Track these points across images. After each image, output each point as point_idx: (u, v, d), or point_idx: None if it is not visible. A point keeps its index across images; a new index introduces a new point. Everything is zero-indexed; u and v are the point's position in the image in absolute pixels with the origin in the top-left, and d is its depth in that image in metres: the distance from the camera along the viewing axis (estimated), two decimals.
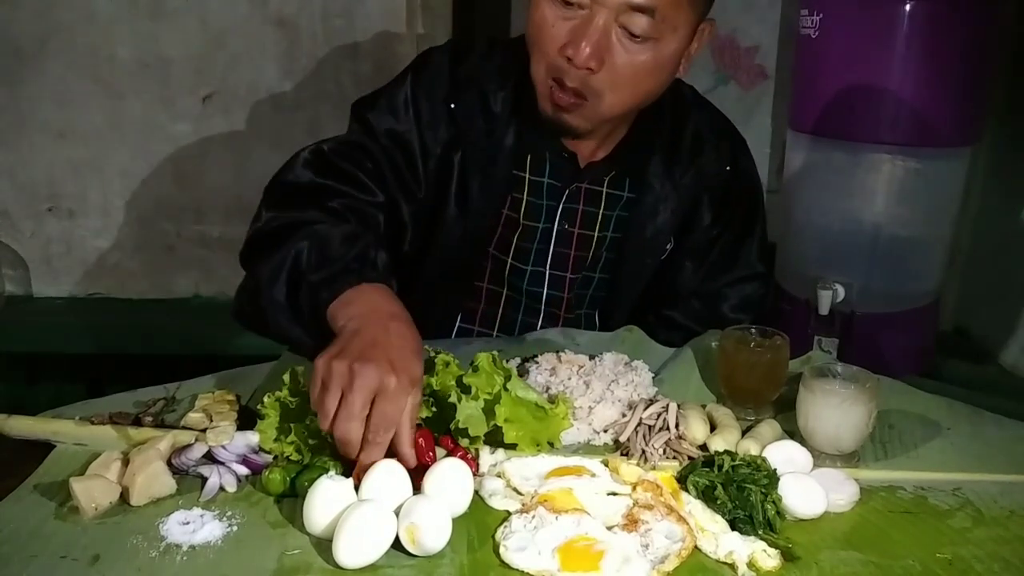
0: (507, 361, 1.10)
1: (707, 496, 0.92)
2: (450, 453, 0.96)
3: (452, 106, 1.29)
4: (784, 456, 0.98)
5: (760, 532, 0.88)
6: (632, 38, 1.15)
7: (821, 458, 1.02)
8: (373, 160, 1.29)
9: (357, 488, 0.87)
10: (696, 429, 1.03)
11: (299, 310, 1.06)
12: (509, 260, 1.38)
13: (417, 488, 0.89)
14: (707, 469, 0.94)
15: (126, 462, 0.92)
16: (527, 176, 1.34)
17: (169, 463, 0.93)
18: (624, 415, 1.07)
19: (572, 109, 1.21)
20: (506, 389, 0.99)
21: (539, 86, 1.22)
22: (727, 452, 0.97)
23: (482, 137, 1.30)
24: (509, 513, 0.89)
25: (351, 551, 0.80)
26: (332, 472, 0.89)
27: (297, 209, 1.18)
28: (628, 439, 1.02)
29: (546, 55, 1.19)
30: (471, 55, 1.34)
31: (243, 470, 0.94)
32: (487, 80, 1.30)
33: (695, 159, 1.37)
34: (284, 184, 1.26)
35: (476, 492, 0.91)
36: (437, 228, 1.33)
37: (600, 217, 1.38)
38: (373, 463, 0.89)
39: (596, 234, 1.38)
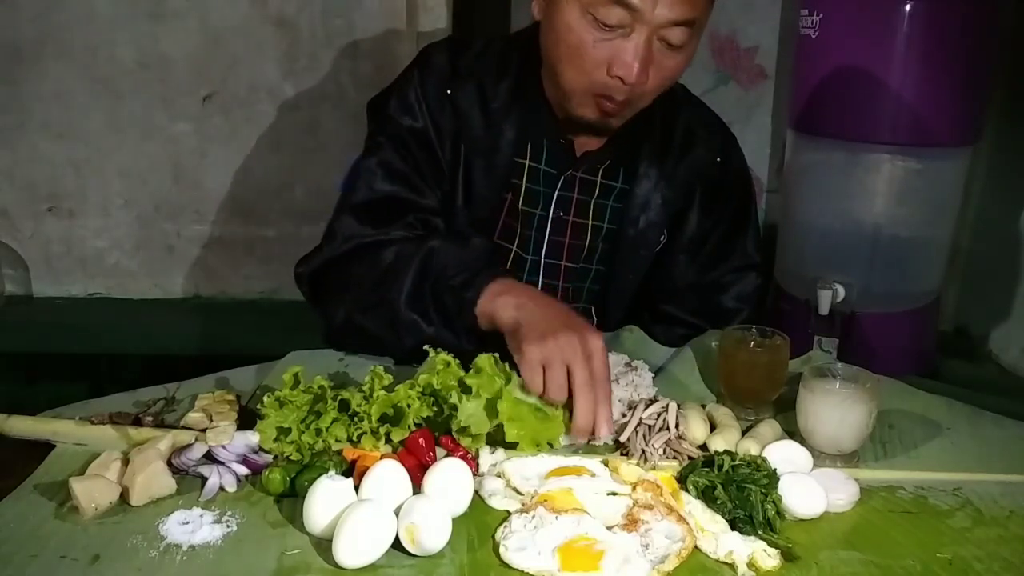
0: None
1: (707, 496, 0.92)
2: (450, 453, 0.96)
3: (449, 92, 1.33)
4: (784, 456, 0.98)
5: (760, 532, 0.88)
6: (671, 47, 1.18)
7: (821, 458, 1.02)
8: (415, 164, 1.33)
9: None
10: (696, 429, 1.03)
11: (437, 315, 1.17)
12: (514, 249, 1.39)
13: (417, 488, 0.89)
14: (707, 469, 0.94)
15: (126, 462, 0.92)
16: (527, 162, 1.37)
17: (169, 463, 0.93)
18: (624, 415, 1.07)
19: (618, 112, 1.24)
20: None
21: (578, 97, 1.24)
22: (727, 452, 0.97)
23: (480, 129, 1.33)
24: (509, 513, 0.89)
25: (351, 551, 0.80)
26: (332, 472, 0.89)
27: (377, 228, 1.27)
28: (628, 439, 1.02)
29: (589, 74, 1.20)
30: (469, 51, 1.37)
31: (243, 470, 0.94)
32: (485, 73, 1.34)
33: (686, 152, 1.40)
34: (357, 205, 1.31)
35: (476, 492, 0.91)
36: (447, 218, 1.36)
37: (593, 206, 1.39)
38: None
39: (591, 223, 1.40)
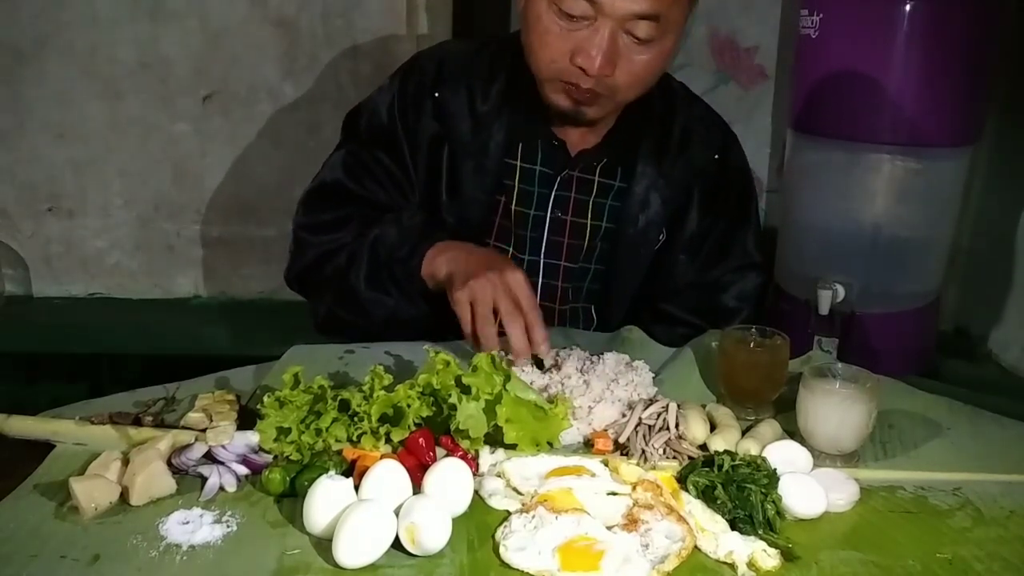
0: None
1: (707, 496, 0.92)
2: (450, 453, 0.96)
3: (436, 95, 1.34)
4: (784, 456, 0.98)
5: (760, 532, 0.88)
6: (638, 41, 1.19)
7: (821, 458, 1.02)
8: (371, 162, 1.37)
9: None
10: (696, 429, 1.03)
11: (394, 288, 1.29)
12: (511, 250, 1.39)
13: (417, 488, 0.89)
14: (707, 469, 0.94)
15: (126, 462, 0.92)
16: (518, 163, 1.37)
17: (169, 463, 0.93)
18: (624, 415, 1.07)
19: (591, 102, 1.25)
20: (505, 390, 0.99)
21: (549, 84, 1.25)
22: (727, 452, 0.97)
23: (468, 133, 1.34)
24: (509, 513, 0.89)
25: (351, 551, 0.80)
26: (332, 472, 0.89)
27: (341, 231, 1.35)
28: (628, 439, 1.02)
29: (555, 63, 1.22)
30: (462, 52, 1.38)
31: (243, 470, 0.94)
32: (476, 75, 1.35)
33: (684, 150, 1.40)
34: (304, 199, 1.43)
35: (476, 492, 0.91)
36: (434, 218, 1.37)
37: (592, 205, 1.39)
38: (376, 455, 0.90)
39: (589, 222, 1.40)
